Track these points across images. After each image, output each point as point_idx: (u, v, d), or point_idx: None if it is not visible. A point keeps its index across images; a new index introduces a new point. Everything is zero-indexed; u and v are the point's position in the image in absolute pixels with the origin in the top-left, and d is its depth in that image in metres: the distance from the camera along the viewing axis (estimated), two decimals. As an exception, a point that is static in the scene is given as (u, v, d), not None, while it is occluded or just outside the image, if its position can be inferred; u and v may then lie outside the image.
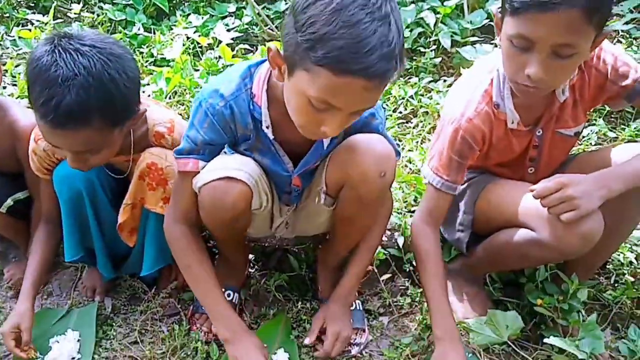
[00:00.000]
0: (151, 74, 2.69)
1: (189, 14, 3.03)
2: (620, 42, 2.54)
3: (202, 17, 2.97)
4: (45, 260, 1.54)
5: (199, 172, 1.30)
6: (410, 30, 2.69)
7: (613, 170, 1.29)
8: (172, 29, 2.95)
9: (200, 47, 2.77)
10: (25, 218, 1.63)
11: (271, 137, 1.30)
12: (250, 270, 1.73)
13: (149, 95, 2.49)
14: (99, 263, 1.55)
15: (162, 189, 1.41)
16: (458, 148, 1.38)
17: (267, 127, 1.29)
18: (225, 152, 1.36)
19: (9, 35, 2.90)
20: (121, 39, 2.82)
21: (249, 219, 1.39)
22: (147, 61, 2.74)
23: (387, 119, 2.32)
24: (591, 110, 1.74)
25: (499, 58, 1.29)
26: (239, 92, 1.27)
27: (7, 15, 3.06)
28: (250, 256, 1.75)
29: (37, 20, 2.94)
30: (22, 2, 3.18)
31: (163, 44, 2.80)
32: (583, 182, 1.22)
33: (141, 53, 2.76)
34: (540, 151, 1.44)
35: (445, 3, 2.68)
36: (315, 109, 1.08)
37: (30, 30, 2.85)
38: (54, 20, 2.91)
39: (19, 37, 2.81)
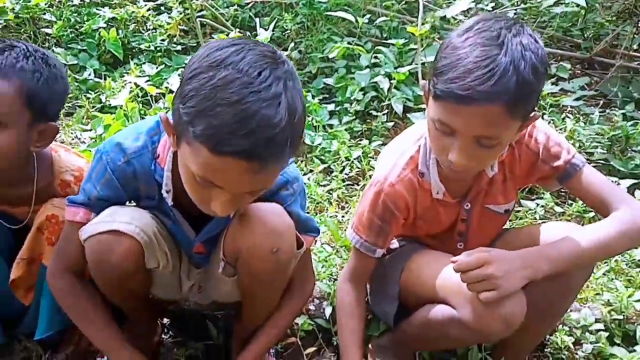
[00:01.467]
0: (90, 119, 2.61)
1: (144, 63, 2.99)
2: (569, 118, 2.56)
3: (157, 67, 2.93)
4: None
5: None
6: (364, 94, 2.68)
7: (540, 249, 1.22)
8: (123, 76, 2.90)
9: (151, 96, 2.71)
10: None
11: (170, 203, 1.21)
12: (164, 336, 1.60)
13: (84, 143, 2.40)
14: None
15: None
16: (379, 212, 1.34)
17: (168, 192, 1.19)
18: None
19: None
20: (71, 82, 2.75)
21: (145, 278, 1.27)
22: (93, 107, 2.67)
23: (330, 181, 2.26)
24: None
25: None
26: (144, 149, 1.19)
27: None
28: (165, 320, 1.61)
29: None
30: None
31: (112, 91, 2.74)
32: (506, 259, 1.15)
33: (88, 98, 2.69)
34: (469, 225, 1.38)
35: (398, 69, 2.69)
36: (200, 185, 1.00)
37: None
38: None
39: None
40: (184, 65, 3.03)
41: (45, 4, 3.14)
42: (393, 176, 1.30)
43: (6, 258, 1.36)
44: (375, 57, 2.85)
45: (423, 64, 2.78)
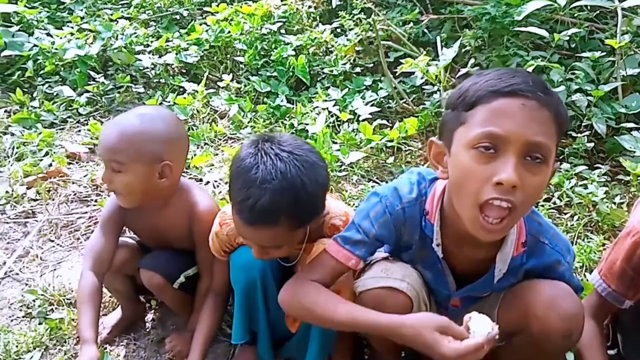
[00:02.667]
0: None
1: (327, 87, 3.14)
2: None
3: (341, 91, 3.06)
4: (213, 333, 1.62)
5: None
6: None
7: None
8: (311, 100, 3.07)
9: (339, 120, 2.85)
10: (190, 291, 1.69)
11: (440, 255, 1.29)
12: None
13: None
14: (261, 346, 1.58)
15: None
16: (635, 263, 1.30)
17: (438, 245, 1.28)
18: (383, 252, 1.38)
19: (165, 101, 3.14)
20: (266, 109, 2.97)
21: None
22: (289, 132, 2.85)
23: (539, 208, 2.22)
24: None
25: None
26: (416, 201, 1.28)
27: (164, 81, 3.33)
28: None
29: (192, 89, 3.17)
30: (176, 70, 3.45)
31: (303, 116, 2.91)
32: None
33: (284, 124, 2.88)
34: None
35: (600, 87, 2.56)
36: (482, 158, 1.06)
37: (185, 97, 3.07)
38: (205, 88, 3.12)
39: (175, 103, 3.05)
40: (364, 87, 3.14)
41: (236, 33, 3.41)
42: None
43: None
44: (567, 72, 2.74)
45: (623, 77, 2.63)
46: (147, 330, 1.82)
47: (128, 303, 1.79)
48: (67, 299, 1.90)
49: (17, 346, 1.73)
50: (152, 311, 1.88)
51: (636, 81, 2.76)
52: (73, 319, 1.81)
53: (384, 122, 2.88)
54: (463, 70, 2.96)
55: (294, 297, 1.31)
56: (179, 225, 1.60)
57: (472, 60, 3.04)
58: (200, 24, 3.58)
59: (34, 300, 1.90)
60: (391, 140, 2.70)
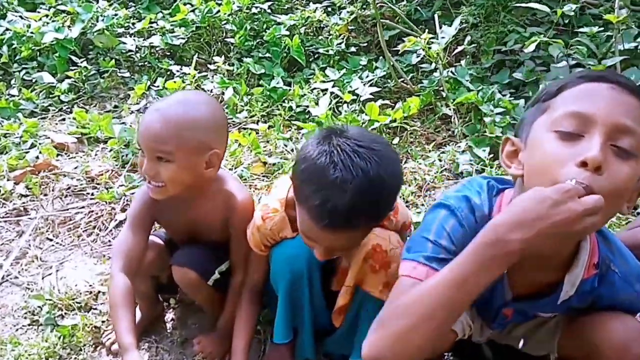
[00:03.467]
0: (289, 127, 2.69)
1: (324, 68, 3.03)
2: None
3: (339, 72, 2.96)
4: (253, 333, 1.54)
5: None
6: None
7: None
8: (308, 82, 2.96)
9: (340, 101, 2.75)
10: (221, 289, 1.59)
11: None
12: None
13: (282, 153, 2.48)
14: (304, 343, 1.50)
15: (384, 272, 1.35)
16: None
17: None
18: None
19: (153, 85, 2.98)
20: (262, 92, 2.85)
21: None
22: (287, 115, 2.74)
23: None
24: None
25: None
26: (487, 211, 1.14)
27: (150, 65, 3.15)
28: None
29: (179, 71, 3.01)
30: (162, 53, 3.28)
31: (301, 97, 2.80)
32: None
33: (283, 107, 2.77)
34: None
35: (603, 61, 2.54)
36: (566, 139, 0.97)
37: (174, 81, 2.91)
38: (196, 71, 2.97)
39: (164, 88, 2.89)
40: (361, 67, 3.05)
41: (225, 14, 3.25)
42: None
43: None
44: (566, 48, 2.71)
45: (621, 52, 2.62)
46: (169, 331, 1.71)
47: (147, 303, 1.68)
48: (78, 303, 1.77)
49: (28, 358, 1.59)
50: (171, 310, 1.77)
51: (634, 55, 2.76)
52: (87, 325, 1.68)
53: (386, 102, 2.79)
54: (460, 48, 2.91)
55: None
56: (215, 217, 1.50)
57: (468, 38, 2.99)
58: (185, 4, 3.39)
59: (40, 307, 1.76)
60: (394, 121, 2.63)
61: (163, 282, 1.66)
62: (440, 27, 2.84)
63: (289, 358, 1.56)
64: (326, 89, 2.81)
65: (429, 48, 2.71)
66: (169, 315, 1.77)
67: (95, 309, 1.77)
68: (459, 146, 2.47)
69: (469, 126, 2.59)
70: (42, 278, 1.89)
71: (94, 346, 1.65)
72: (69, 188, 2.29)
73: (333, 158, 1.11)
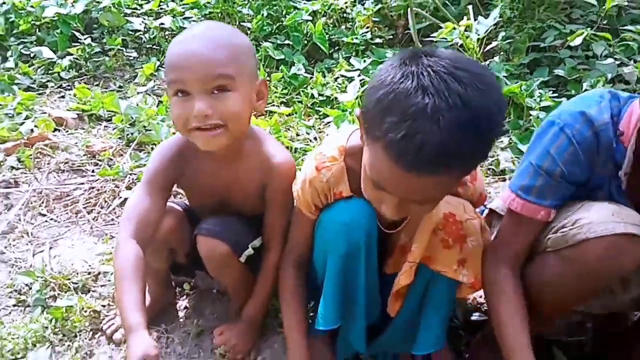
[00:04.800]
0: (309, 116, 2.48)
1: (348, 57, 2.83)
2: None
3: (364, 61, 2.75)
4: (306, 325, 1.26)
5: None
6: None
7: None
8: (330, 70, 2.76)
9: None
10: (253, 271, 1.33)
11: (623, 187, 1.04)
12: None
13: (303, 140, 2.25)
14: (355, 333, 1.22)
15: (459, 247, 1.10)
16: None
17: (625, 175, 1.03)
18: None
19: (162, 67, 2.75)
20: (281, 78, 2.63)
21: None
22: (309, 103, 2.52)
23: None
24: None
25: None
26: (610, 123, 1.03)
27: (159, 46, 2.94)
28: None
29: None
30: (171, 35, 3.05)
31: (324, 86, 2.59)
32: None
33: (305, 93, 2.54)
34: None
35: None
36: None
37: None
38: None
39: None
40: (386, 59, 2.85)
41: (242, -1, 3.05)
42: None
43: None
44: (610, 45, 2.54)
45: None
46: (182, 320, 1.44)
47: (159, 286, 1.42)
48: (74, 283, 1.50)
49: (12, 342, 1.32)
50: (185, 298, 1.51)
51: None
52: (84, 308, 1.41)
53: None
54: (493, 44, 2.73)
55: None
56: (250, 181, 1.25)
57: (502, 34, 2.82)
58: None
59: (28, 285, 1.49)
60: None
61: (179, 262, 1.39)
62: (476, 19, 2.66)
63: (331, 353, 1.30)
64: (352, 77, 2.60)
65: (467, 37, 2.52)
66: (182, 303, 1.50)
67: (95, 291, 1.50)
68: (501, 141, 2.26)
69: (510, 122, 2.39)
70: (33, 255, 1.62)
71: (91, 332, 1.37)
72: (66, 163, 2.03)
73: (422, 81, 0.84)
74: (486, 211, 1.28)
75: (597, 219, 1.00)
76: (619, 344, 1.33)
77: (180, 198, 1.63)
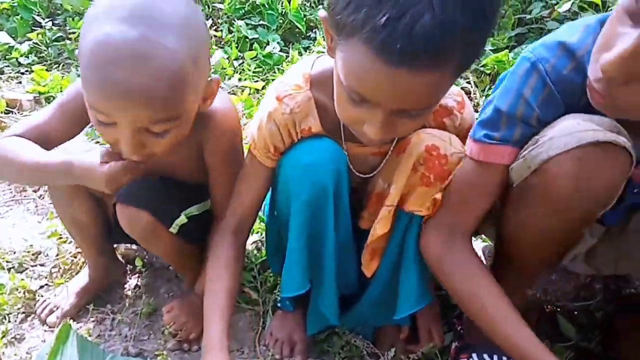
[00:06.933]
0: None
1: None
2: None
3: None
4: (235, 292, 1.04)
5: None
6: None
7: None
8: (308, 48, 2.60)
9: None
10: (193, 241, 1.14)
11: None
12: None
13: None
14: (326, 300, 1.03)
15: (439, 185, 0.93)
16: None
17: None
18: None
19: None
20: (255, 56, 2.47)
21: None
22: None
23: None
24: None
25: None
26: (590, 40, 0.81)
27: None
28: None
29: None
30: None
31: (300, 65, 2.43)
32: None
33: (281, 71, 2.38)
34: None
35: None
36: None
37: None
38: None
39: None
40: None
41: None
42: None
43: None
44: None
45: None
46: (132, 300, 1.26)
47: (99, 258, 1.22)
48: (8, 262, 1.31)
49: None
50: (137, 276, 1.32)
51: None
52: (17, 288, 1.23)
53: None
54: None
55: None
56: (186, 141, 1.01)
57: None
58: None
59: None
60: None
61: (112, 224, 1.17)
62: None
63: (302, 327, 1.12)
64: (330, 54, 2.45)
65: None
66: (133, 282, 1.31)
67: (32, 271, 1.31)
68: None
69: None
70: (-37, 233, 1.43)
71: (24, 314, 1.18)
72: (15, 143, 1.84)
73: None
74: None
75: (560, 131, 0.80)
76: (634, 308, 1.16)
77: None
